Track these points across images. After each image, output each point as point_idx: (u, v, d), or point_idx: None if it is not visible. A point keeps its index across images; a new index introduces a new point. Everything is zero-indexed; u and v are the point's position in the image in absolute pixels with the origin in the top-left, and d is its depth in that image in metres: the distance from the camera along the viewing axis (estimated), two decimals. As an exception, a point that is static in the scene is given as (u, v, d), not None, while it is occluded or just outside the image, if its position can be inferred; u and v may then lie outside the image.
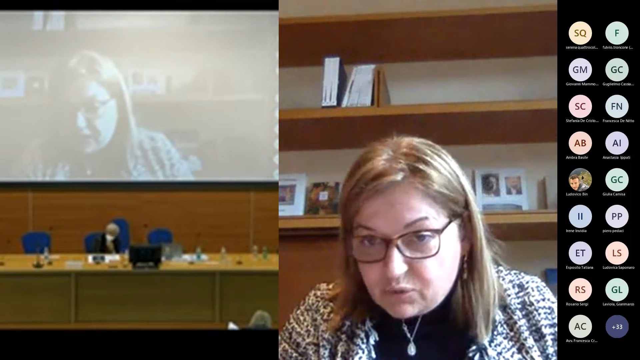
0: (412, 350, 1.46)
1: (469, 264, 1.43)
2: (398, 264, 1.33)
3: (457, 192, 1.37)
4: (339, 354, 1.47)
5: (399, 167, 1.34)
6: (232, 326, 4.41)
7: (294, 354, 1.53)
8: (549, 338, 1.45)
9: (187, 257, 5.82)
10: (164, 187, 6.55)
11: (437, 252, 1.34)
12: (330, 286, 1.59)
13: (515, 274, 1.53)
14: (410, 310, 1.38)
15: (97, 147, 6.42)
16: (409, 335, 1.47)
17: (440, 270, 1.36)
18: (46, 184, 6.45)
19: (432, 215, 1.33)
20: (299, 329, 1.55)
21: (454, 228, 1.37)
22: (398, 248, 1.33)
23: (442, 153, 1.41)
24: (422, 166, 1.34)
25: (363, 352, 1.46)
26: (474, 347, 1.43)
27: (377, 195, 1.33)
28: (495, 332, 1.45)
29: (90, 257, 5.68)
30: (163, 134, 6.41)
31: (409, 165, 1.34)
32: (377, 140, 1.43)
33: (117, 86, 6.34)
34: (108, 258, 5.71)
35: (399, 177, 1.33)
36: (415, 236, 1.33)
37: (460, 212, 1.38)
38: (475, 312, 1.43)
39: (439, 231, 1.34)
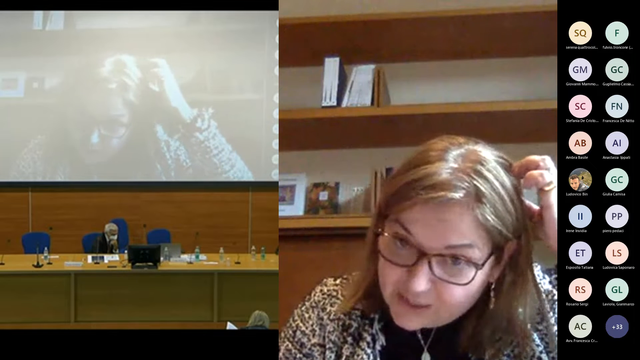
0: (426, 359, 1.41)
1: (498, 292, 1.32)
2: (424, 281, 1.24)
3: (510, 225, 1.26)
4: (344, 357, 1.42)
5: (462, 184, 1.22)
6: (230, 326, 4.41)
7: (298, 355, 1.47)
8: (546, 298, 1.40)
9: (185, 257, 5.82)
10: (162, 187, 6.56)
11: (468, 283, 1.25)
12: (337, 281, 1.52)
13: None
14: (415, 324, 1.32)
15: (104, 158, 6.44)
16: (423, 343, 1.41)
17: (464, 298, 1.28)
18: (46, 184, 6.45)
19: (478, 246, 1.24)
20: (303, 328, 1.48)
21: (491, 259, 1.28)
22: (430, 264, 1.24)
23: (512, 176, 1.29)
24: (486, 190, 1.23)
25: (369, 358, 1.41)
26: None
27: (429, 205, 1.21)
28: None
29: (89, 257, 5.68)
30: (178, 142, 6.43)
31: (473, 185, 1.22)
32: (445, 136, 1.32)
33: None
34: (107, 258, 5.71)
35: (459, 195, 1.21)
36: (452, 259, 1.24)
37: (503, 245, 1.28)
38: (492, 346, 1.36)
39: (478, 265, 1.25)
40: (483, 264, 1.26)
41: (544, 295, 1.39)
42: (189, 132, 6.41)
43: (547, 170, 1.30)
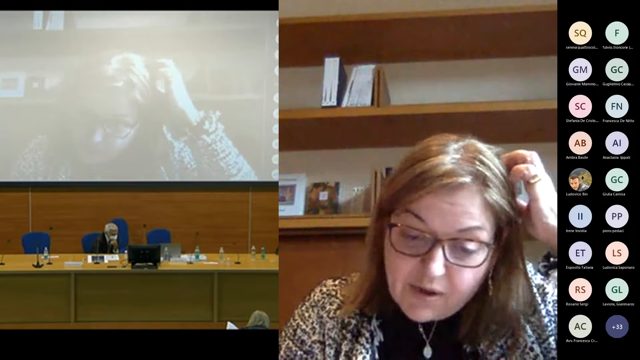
0: (428, 353, 1.45)
1: (495, 280, 1.38)
2: (439, 265, 1.30)
3: (510, 207, 1.35)
4: (343, 353, 1.45)
5: (469, 169, 1.31)
6: (230, 326, 4.41)
7: (299, 352, 1.50)
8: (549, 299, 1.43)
9: (185, 257, 5.82)
10: (162, 187, 6.55)
11: (479, 265, 1.33)
12: (336, 282, 1.56)
13: None
14: (428, 315, 1.37)
15: (106, 158, 6.44)
16: (424, 337, 1.45)
17: (473, 282, 1.34)
18: (46, 184, 6.45)
19: (486, 228, 1.32)
20: (304, 326, 1.52)
21: (495, 243, 1.35)
22: (443, 250, 1.31)
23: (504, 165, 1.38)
24: (489, 174, 1.32)
25: (367, 352, 1.44)
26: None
27: (441, 192, 1.29)
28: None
29: (89, 257, 5.68)
30: (183, 143, 6.43)
31: (478, 170, 1.31)
32: (439, 135, 1.39)
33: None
34: (107, 258, 5.71)
35: (468, 179, 1.30)
36: (463, 244, 1.31)
37: (502, 229, 1.36)
38: (487, 337, 1.41)
39: (489, 245, 1.33)
40: (493, 244, 1.33)
41: (535, 289, 1.43)
42: (196, 135, 6.40)
43: (533, 165, 1.37)
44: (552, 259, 1.42)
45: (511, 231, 1.37)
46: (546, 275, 1.42)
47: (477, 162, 1.32)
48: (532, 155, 1.38)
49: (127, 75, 6.32)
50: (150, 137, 6.40)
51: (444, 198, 1.29)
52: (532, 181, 1.35)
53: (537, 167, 1.37)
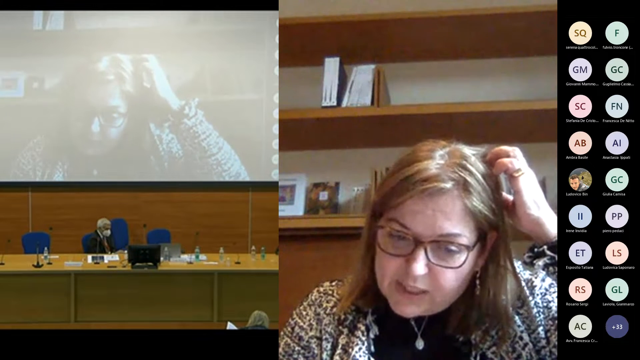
0: (420, 344, 1.49)
1: (483, 280, 1.44)
2: (421, 265, 1.36)
3: (493, 212, 1.39)
4: (340, 346, 1.51)
5: (451, 175, 1.36)
6: (230, 326, 4.41)
7: (297, 347, 1.55)
8: (553, 307, 1.45)
9: (185, 257, 5.82)
10: (162, 187, 6.55)
11: (460, 266, 1.37)
12: (334, 283, 1.61)
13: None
14: (413, 311, 1.42)
15: (103, 150, 6.44)
16: (416, 330, 1.49)
17: (457, 282, 1.39)
18: (45, 184, 6.45)
19: (466, 234, 1.37)
20: (301, 323, 1.57)
21: (478, 246, 1.40)
22: (425, 251, 1.36)
23: (489, 168, 1.42)
24: (472, 181, 1.37)
25: (363, 344, 1.49)
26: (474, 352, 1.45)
27: (422, 197, 1.35)
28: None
29: (89, 257, 5.68)
30: (174, 135, 6.43)
31: (460, 176, 1.36)
32: (430, 140, 1.45)
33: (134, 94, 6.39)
34: (107, 258, 5.71)
35: (449, 185, 1.35)
36: (445, 245, 1.36)
37: (487, 233, 1.40)
38: (478, 329, 1.45)
39: (469, 248, 1.37)
40: (473, 247, 1.38)
41: (523, 283, 1.47)
42: (187, 132, 6.41)
43: (516, 159, 1.42)
44: (536, 250, 1.44)
45: (498, 235, 1.41)
46: (531, 265, 1.46)
47: (460, 168, 1.37)
48: (515, 150, 1.43)
49: (124, 72, 6.33)
50: (142, 130, 6.41)
51: (427, 203, 1.35)
52: (515, 174, 1.40)
53: (520, 162, 1.41)
